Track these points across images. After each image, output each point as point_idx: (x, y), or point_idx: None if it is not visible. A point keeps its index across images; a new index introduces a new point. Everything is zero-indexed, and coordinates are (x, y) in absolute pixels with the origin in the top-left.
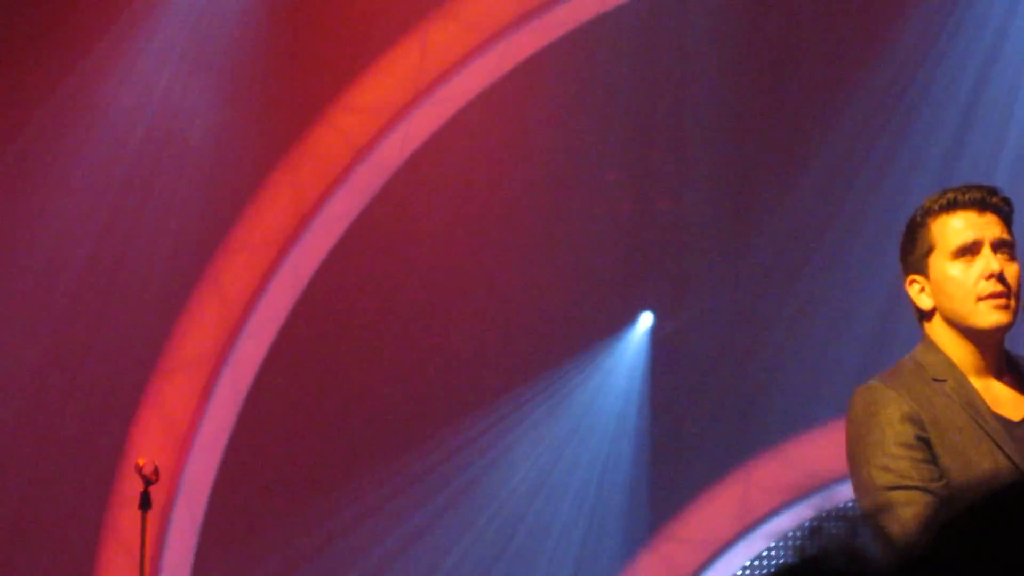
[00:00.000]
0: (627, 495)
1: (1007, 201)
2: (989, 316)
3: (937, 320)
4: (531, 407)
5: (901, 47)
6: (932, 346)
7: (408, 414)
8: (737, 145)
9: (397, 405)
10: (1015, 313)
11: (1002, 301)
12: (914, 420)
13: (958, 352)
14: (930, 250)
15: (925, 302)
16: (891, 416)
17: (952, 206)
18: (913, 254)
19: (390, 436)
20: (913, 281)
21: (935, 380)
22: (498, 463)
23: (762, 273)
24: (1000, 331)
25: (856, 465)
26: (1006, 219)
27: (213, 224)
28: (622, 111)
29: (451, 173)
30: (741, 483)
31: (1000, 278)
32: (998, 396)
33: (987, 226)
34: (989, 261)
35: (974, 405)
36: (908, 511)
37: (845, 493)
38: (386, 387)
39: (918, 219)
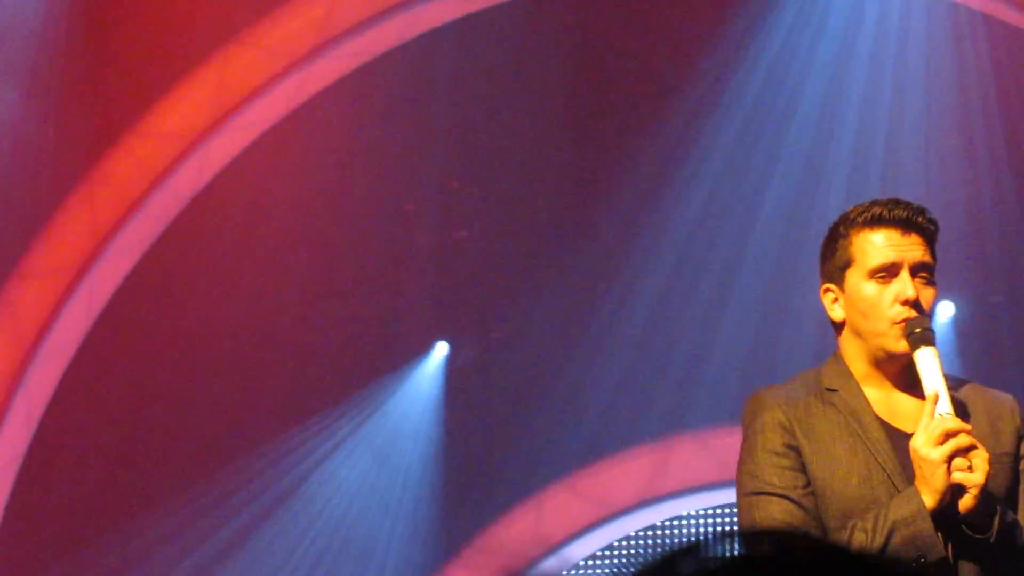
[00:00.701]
0: (423, 523)
1: (933, 222)
2: (900, 342)
3: (847, 332)
4: (329, 435)
5: (710, 64)
6: (838, 356)
7: (205, 439)
8: (535, 175)
9: (194, 431)
10: (933, 335)
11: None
12: (785, 428)
13: (863, 364)
14: (848, 264)
15: (837, 313)
16: (764, 423)
17: (875, 222)
18: (831, 262)
19: (189, 461)
20: (828, 290)
21: (828, 390)
22: (298, 490)
23: (559, 304)
24: (908, 356)
25: (736, 470)
26: (930, 240)
27: (6, 249)
28: (420, 141)
29: (249, 200)
30: (533, 512)
31: (915, 304)
32: (897, 408)
33: (909, 247)
34: (905, 286)
35: (858, 416)
36: (763, 515)
37: (632, 524)
38: (182, 413)
39: (841, 229)
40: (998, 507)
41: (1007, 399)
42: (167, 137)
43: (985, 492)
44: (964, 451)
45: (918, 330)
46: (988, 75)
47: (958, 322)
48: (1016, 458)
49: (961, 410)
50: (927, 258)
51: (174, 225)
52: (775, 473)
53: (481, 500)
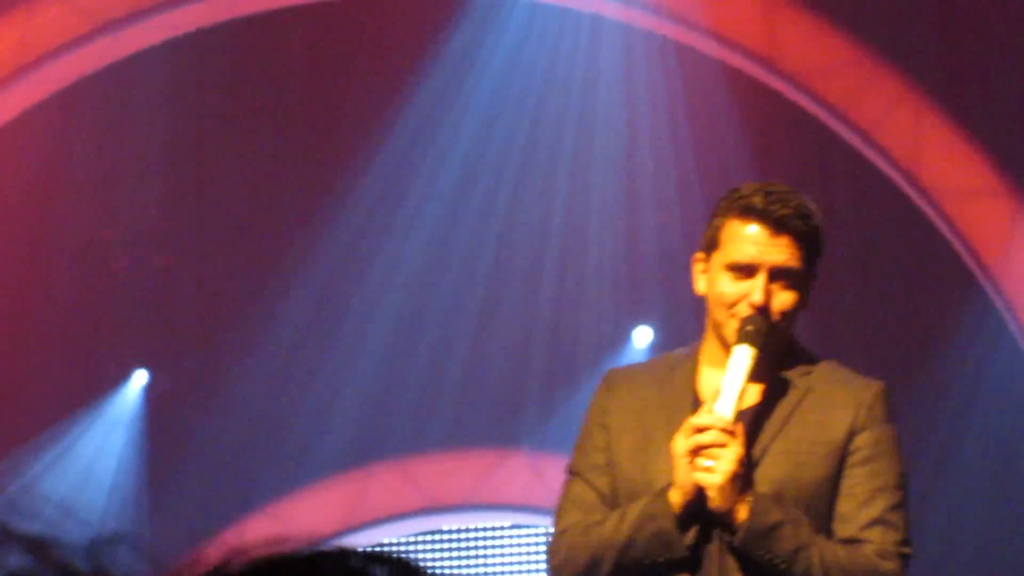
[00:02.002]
0: (126, 550)
1: (813, 226)
2: (735, 336)
3: (708, 305)
4: (27, 467)
5: (430, 82)
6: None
7: None
8: (238, 201)
9: None
10: (765, 343)
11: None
12: (603, 408)
13: (711, 343)
14: (715, 246)
15: (700, 286)
16: (592, 401)
17: (748, 213)
18: (705, 235)
19: None
20: (698, 260)
21: (671, 369)
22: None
23: (260, 331)
24: (751, 354)
25: None
26: (805, 242)
27: None
28: (120, 165)
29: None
30: (234, 540)
31: (761, 309)
32: (714, 390)
33: (774, 249)
34: (756, 290)
35: (674, 399)
36: (564, 494)
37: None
38: None
39: (720, 207)
40: (752, 511)
41: (863, 387)
42: None
43: (732, 494)
44: (708, 448)
45: (749, 327)
46: (680, 102)
47: (656, 348)
48: (843, 450)
49: (770, 404)
50: (792, 263)
51: None
52: (582, 451)
53: (181, 530)
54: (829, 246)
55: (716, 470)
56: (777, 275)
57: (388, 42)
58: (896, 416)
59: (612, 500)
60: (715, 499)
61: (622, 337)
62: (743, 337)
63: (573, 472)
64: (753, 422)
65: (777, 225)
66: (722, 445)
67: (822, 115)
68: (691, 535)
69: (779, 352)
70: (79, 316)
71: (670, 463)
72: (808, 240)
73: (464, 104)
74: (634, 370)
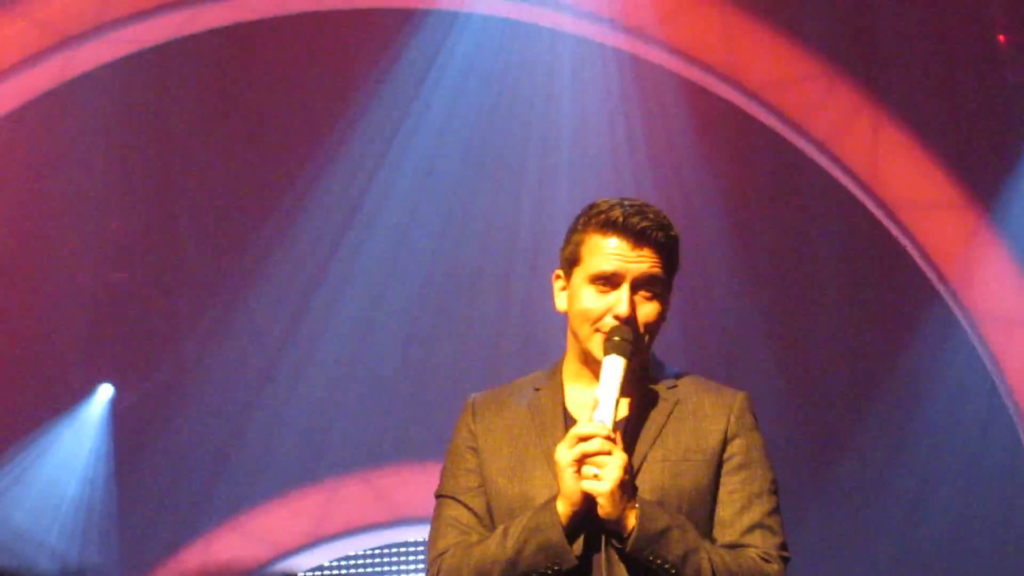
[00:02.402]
0: (90, 567)
1: (672, 236)
2: (601, 349)
3: (569, 323)
4: None
5: (383, 93)
6: (564, 353)
7: None
8: (201, 214)
9: None
10: (633, 353)
11: (629, 349)
12: (470, 430)
13: (574, 361)
14: (576, 261)
15: (560, 303)
16: (457, 426)
17: (609, 226)
18: (563, 252)
19: None
20: (558, 277)
21: (535, 389)
22: None
23: (224, 342)
24: (617, 367)
25: None
26: (665, 254)
27: None
28: (92, 177)
29: None
30: (200, 553)
31: (627, 320)
32: (584, 406)
33: (637, 260)
34: (621, 300)
35: (544, 415)
36: (438, 516)
37: (301, 564)
38: None
39: (579, 223)
40: (640, 517)
41: (729, 397)
42: None
43: (620, 501)
44: (593, 456)
45: (616, 338)
46: (635, 114)
47: None
48: (719, 458)
49: (642, 415)
50: (655, 271)
51: None
52: (452, 475)
53: (149, 542)
54: (794, 258)
55: (604, 477)
56: (640, 285)
57: (347, 55)
58: (759, 423)
59: (488, 522)
60: (605, 506)
61: None
62: (612, 348)
63: (445, 495)
64: (627, 434)
65: (638, 236)
66: (607, 453)
67: (780, 128)
68: (578, 545)
69: (642, 365)
70: (43, 332)
71: (547, 480)
72: (668, 251)
73: (418, 118)
74: (497, 393)
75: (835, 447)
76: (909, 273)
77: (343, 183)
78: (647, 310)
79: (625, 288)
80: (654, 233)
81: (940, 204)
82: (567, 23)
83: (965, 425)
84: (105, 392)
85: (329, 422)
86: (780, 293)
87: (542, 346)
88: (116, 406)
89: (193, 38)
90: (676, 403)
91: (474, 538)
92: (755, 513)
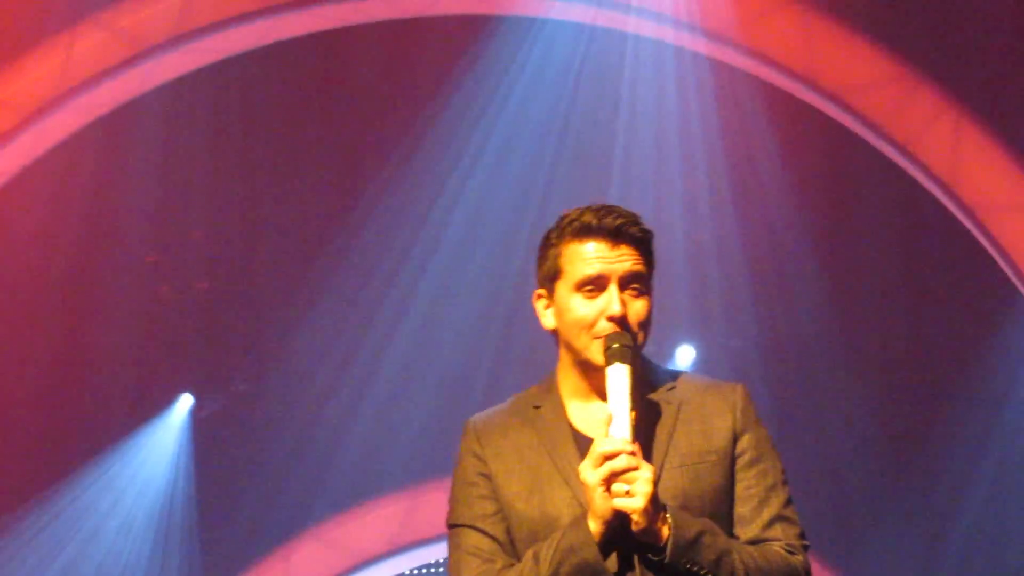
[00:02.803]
0: (173, 573)
1: (645, 230)
2: (601, 355)
3: (560, 340)
4: (80, 490)
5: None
6: (555, 370)
7: None
8: (277, 226)
9: None
10: (634, 356)
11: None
12: (477, 455)
13: (573, 375)
14: (557, 275)
15: (548, 321)
16: (461, 452)
17: (584, 232)
18: (542, 270)
19: None
20: (540, 296)
21: (534, 407)
22: (43, 545)
23: (304, 353)
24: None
25: None
26: (642, 248)
27: None
28: (162, 190)
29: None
30: (281, 563)
31: (620, 320)
32: (590, 420)
33: (618, 259)
34: (612, 301)
35: (552, 433)
36: (456, 546)
37: (381, 573)
38: None
39: (552, 237)
40: (673, 526)
41: (729, 392)
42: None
43: (653, 514)
44: (622, 474)
45: (616, 345)
46: (712, 115)
47: (699, 365)
48: (731, 456)
49: (650, 422)
50: (638, 267)
51: None
52: (466, 503)
53: (230, 552)
54: (875, 261)
55: (636, 493)
56: (626, 283)
57: (424, 62)
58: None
59: (509, 549)
60: (640, 522)
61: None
62: (613, 356)
63: (461, 525)
64: (639, 442)
65: (615, 236)
66: (635, 468)
67: (861, 131)
68: (611, 562)
69: (639, 367)
70: (125, 342)
71: (567, 498)
72: (645, 246)
73: (491, 123)
74: (494, 415)
75: (916, 451)
76: (990, 275)
77: (415, 194)
78: (637, 307)
79: (613, 288)
80: (630, 229)
81: (1022, 206)
82: (648, 28)
83: None
84: (186, 401)
85: (409, 431)
86: (860, 297)
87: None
88: (196, 415)
89: (272, 47)
90: (680, 405)
91: (499, 565)
92: (773, 506)
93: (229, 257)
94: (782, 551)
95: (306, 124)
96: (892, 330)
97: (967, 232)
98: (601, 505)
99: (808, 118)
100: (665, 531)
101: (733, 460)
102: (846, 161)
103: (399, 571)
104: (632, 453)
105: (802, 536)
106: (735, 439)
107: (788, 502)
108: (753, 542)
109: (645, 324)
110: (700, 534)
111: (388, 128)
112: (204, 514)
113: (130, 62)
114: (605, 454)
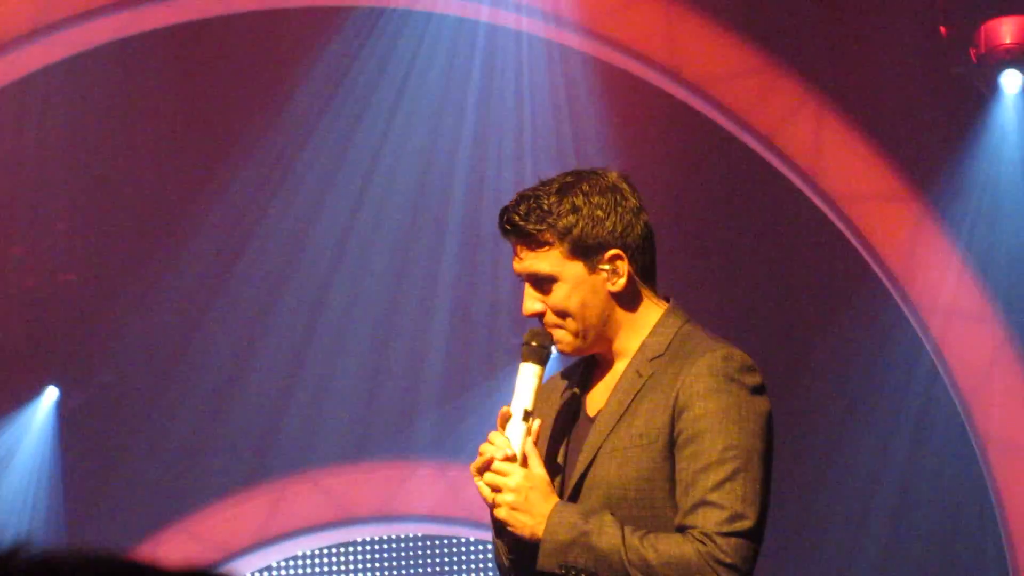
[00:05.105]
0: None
1: (528, 221)
2: (521, 355)
3: None
4: None
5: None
6: None
7: None
8: (143, 216)
9: None
10: (568, 338)
11: (557, 335)
12: (546, 398)
13: None
14: None
15: None
16: None
17: (502, 235)
18: None
19: None
20: None
21: (578, 369)
22: None
23: (165, 344)
24: (564, 354)
25: None
26: (531, 240)
27: None
28: (36, 179)
29: None
30: (146, 557)
31: (539, 319)
32: (593, 388)
33: (518, 260)
34: (523, 301)
35: (568, 399)
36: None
37: (248, 565)
38: None
39: None
40: (545, 531)
41: (691, 364)
42: None
43: (518, 520)
44: (494, 478)
45: (532, 343)
46: (565, 106)
47: None
48: (667, 437)
49: (614, 399)
50: (532, 268)
51: None
52: None
53: (95, 543)
54: (739, 251)
55: (499, 502)
56: (532, 280)
57: (277, 52)
58: (739, 382)
59: None
60: (514, 529)
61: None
62: (525, 353)
63: None
64: (593, 425)
65: (507, 235)
66: (504, 474)
67: (724, 121)
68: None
69: (606, 343)
70: None
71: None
72: (532, 237)
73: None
74: (553, 377)
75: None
76: (853, 265)
77: (279, 175)
78: (552, 300)
79: (526, 288)
80: (515, 227)
81: (884, 196)
82: (506, 19)
83: (908, 416)
84: (51, 394)
85: (271, 423)
86: (723, 288)
87: (469, 353)
88: (63, 407)
89: (134, 39)
90: (647, 380)
91: None
92: (699, 490)
93: (93, 248)
94: (691, 540)
95: (168, 117)
96: (752, 320)
97: (830, 222)
98: (483, 496)
99: (669, 109)
100: (539, 531)
101: (671, 443)
102: (708, 153)
103: (267, 563)
104: (509, 458)
105: (730, 520)
106: (673, 419)
107: (721, 483)
108: (680, 529)
109: (565, 311)
110: (579, 537)
111: (253, 117)
112: (69, 508)
113: None
114: (480, 451)
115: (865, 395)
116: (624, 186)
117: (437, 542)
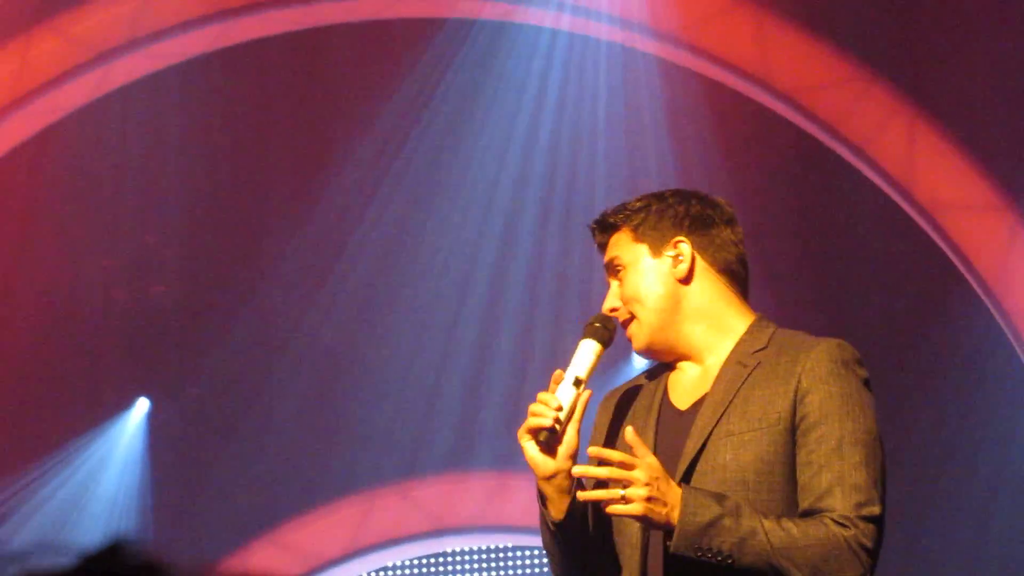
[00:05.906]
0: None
1: (608, 214)
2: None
3: None
4: (31, 493)
5: (396, 105)
6: None
7: None
8: (232, 228)
9: None
10: (640, 330)
11: (630, 330)
12: (605, 408)
13: None
14: None
15: None
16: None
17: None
18: None
19: None
20: None
21: (657, 372)
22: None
23: (255, 357)
24: (640, 351)
25: None
26: (610, 231)
27: None
28: (127, 192)
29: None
30: (238, 567)
31: (614, 311)
32: (679, 386)
33: (606, 250)
34: (608, 295)
35: (645, 400)
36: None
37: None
38: None
39: None
40: (682, 512)
41: (807, 352)
42: None
43: (653, 513)
44: (618, 480)
45: (596, 324)
46: (661, 117)
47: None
48: (788, 423)
49: (718, 389)
50: (608, 255)
51: None
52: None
53: (185, 555)
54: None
55: (634, 498)
56: (610, 271)
57: (372, 62)
58: (854, 372)
59: None
60: (650, 520)
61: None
62: (586, 331)
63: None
64: (700, 410)
65: (595, 233)
66: (629, 468)
67: (815, 132)
68: (635, 535)
69: (685, 344)
70: (80, 346)
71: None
72: (611, 227)
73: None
74: (632, 381)
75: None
76: (946, 276)
77: (388, 191)
78: (624, 288)
79: (611, 280)
80: (597, 224)
81: (978, 206)
82: (599, 30)
83: (998, 425)
84: (142, 405)
85: (365, 433)
86: (815, 299)
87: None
88: (152, 419)
89: (224, 52)
90: (755, 368)
91: None
92: (832, 472)
93: (184, 260)
94: (829, 523)
95: (271, 126)
96: (847, 331)
97: (923, 232)
98: (530, 460)
99: (760, 119)
100: (675, 516)
101: (793, 427)
102: (799, 163)
103: (356, 574)
104: (559, 408)
105: (865, 504)
106: (795, 404)
107: (857, 466)
108: (808, 513)
109: (633, 296)
110: (717, 519)
111: (354, 127)
112: (159, 518)
113: (82, 68)
114: (530, 411)
115: (957, 405)
116: (715, 199)
117: (528, 552)
